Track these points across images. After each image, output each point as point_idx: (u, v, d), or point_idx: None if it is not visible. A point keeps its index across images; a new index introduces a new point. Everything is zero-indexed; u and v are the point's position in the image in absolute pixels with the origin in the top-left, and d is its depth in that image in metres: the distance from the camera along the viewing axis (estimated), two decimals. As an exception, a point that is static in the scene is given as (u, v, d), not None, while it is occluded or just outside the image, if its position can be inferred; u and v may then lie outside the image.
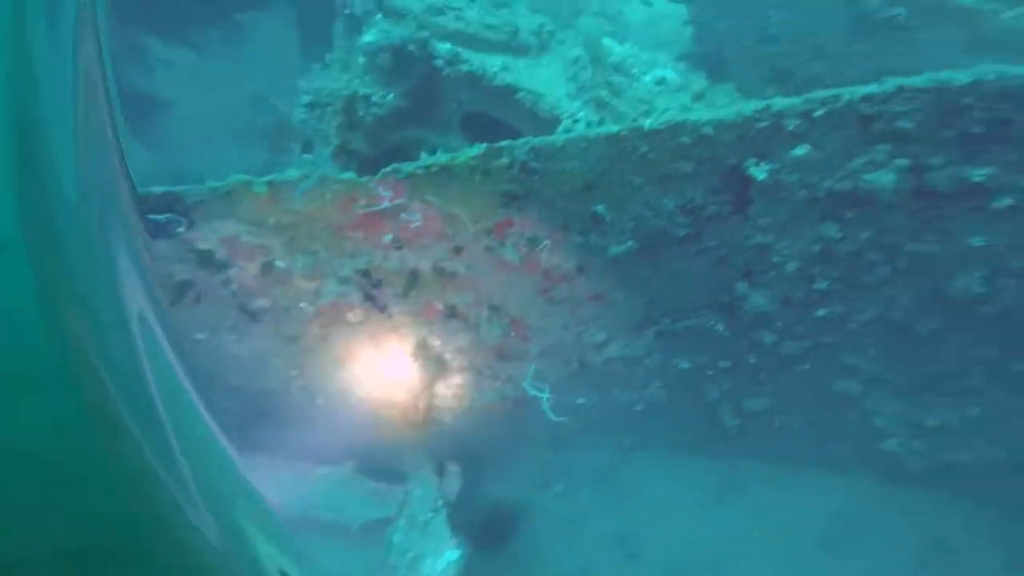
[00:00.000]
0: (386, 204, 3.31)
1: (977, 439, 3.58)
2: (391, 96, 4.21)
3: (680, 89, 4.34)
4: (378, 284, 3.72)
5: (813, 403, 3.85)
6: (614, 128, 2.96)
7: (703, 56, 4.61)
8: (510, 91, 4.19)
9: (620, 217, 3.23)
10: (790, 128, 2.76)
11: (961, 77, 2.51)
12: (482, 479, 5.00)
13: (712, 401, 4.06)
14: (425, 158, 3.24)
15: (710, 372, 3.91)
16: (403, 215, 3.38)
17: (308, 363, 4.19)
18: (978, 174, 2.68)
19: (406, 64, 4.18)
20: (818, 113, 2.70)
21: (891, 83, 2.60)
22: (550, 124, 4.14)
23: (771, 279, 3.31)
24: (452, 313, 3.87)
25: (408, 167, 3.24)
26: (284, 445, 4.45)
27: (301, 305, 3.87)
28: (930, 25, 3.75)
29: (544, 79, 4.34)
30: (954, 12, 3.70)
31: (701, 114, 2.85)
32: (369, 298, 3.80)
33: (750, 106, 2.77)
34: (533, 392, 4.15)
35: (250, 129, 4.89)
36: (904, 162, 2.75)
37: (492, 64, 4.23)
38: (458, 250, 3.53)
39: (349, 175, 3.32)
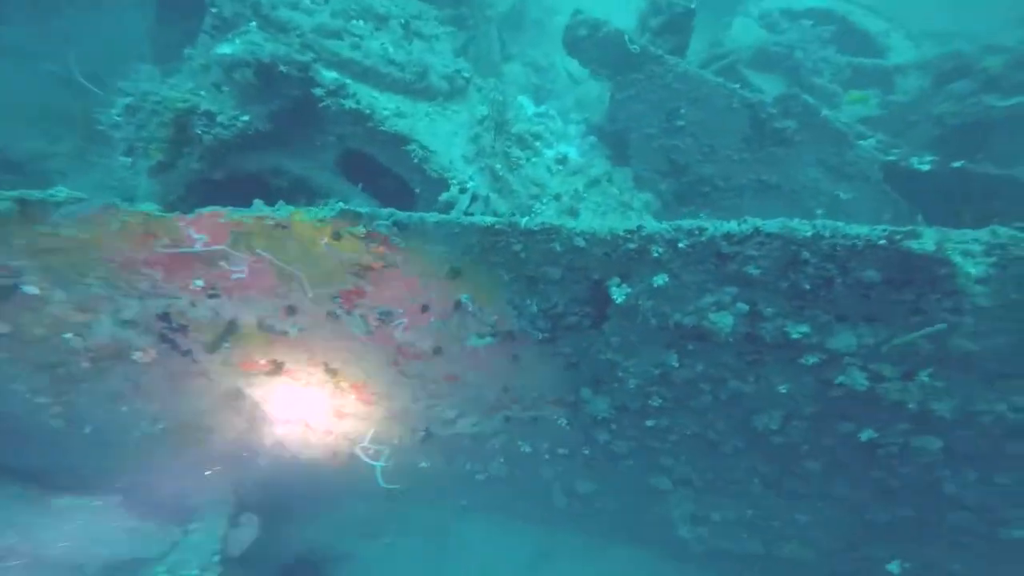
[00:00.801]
0: (199, 248, 2.21)
1: (744, 533, 3.56)
2: (246, 118, 2.96)
3: (577, 172, 3.72)
4: (181, 329, 2.55)
5: (630, 492, 3.56)
6: (489, 220, 2.27)
7: (612, 134, 4.15)
8: (400, 140, 3.18)
9: (483, 311, 2.56)
10: (655, 255, 2.34)
11: (805, 229, 2.27)
12: (296, 526, 4.04)
13: (547, 480, 3.58)
14: (259, 206, 2.22)
15: (548, 457, 3.41)
16: (222, 263, 2.30)
17: (73, 392, 2.82)
18: (796, 331, 2.51)
19: (274, 85, 2.99)
20: (682, 244, 2.31)
21: (749, 224, 2.30)
22: (438, 184, 3.28)
23: (613, 389, 2.91)
24: (277, 369, 2.83)
25: (236, 213, 2.20)
26: (23, 470, 3.20)
27: (66, 336, 2.53)
28: (811, 142, 3.67)
29: (443, 133, 3.36)
30: (832, 133, 3.64)
31: (577, 223, 2.31)
32: (167, 341, 2.60)
33: (623, 225, 2.29)
34: (365, 459, 3.27)
35: (60, 114, 3.27)
36: (744, 307, 2.49)
37: (384, 106, 3.16)
38: (291, 310, 2.54)
39: (149, 207, 2.15)
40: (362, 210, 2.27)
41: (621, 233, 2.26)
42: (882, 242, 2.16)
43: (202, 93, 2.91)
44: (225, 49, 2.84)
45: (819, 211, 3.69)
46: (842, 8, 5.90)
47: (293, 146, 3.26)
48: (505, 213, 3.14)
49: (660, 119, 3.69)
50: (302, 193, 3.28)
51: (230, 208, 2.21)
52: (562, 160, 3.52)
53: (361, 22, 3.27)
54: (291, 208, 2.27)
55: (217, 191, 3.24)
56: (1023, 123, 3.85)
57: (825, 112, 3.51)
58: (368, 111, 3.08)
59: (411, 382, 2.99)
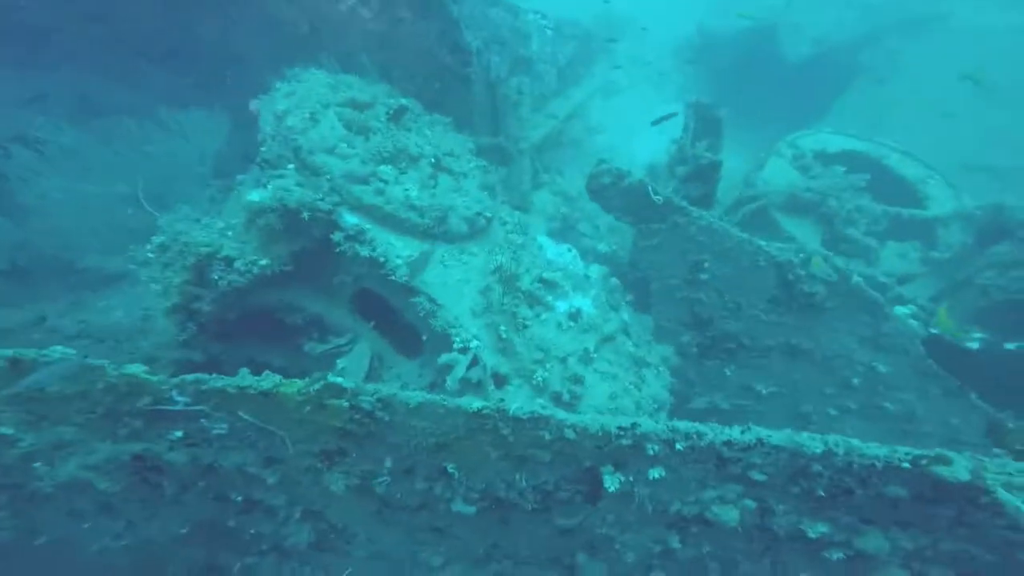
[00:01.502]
0: (180, 407, 2.17)
1: None
2: (264, 262, 2.94)
3: (589, 329, 3.38)
4: (155, 469, 2.47)
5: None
6: (477, 404, 2.14)
7: (635, 281, 3.94)
8: (409, 291, 3.10)
9: (470, 479, 2.38)
10: (650, 452, 2.12)
11: (815, 446, 2.06)
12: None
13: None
14: (244, 375, 2.17)
15: (543, 607, 3.08)
16: (203, 420, 2.24)
17: (33, 509, 2.75)
18: (814, 530, 2.21)
19: (299, 228, 3.00)
20: (680, 446, 2.10)
21: (752, 434, 2.09)
22: (443, 337, 3.13)
23: (611, 558, 2.61)
24: (252, 507, 2.70)
25: (218, 382, 2.15)
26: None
27: (35, 464, 2.47)
28: (842, 309, 3.39)
29: (453, 283, 3.22)
30: (864, 301, 3.38)
31: (567, 413, 2.14)
32: (138, 475, 2.52)
33: (615, 422, 2.10)
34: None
35: (122, 231, 3.44)
36: (751, 504, 2.21)
37: (398, 254, 3.08)
38: (270, 462, 2.43)
39: (135, 368, 2.14)
40: (346, 384, 2.17)
41: (613, 430, 2.07)
42: (905, 465, 1.88)
43: (229, 234, 2.94)
44: (254, 196, 2.88)
45: (855, 380, 3.38)
46: (877, 152, 5.52)
47: (311, 283, 3.26)
48: (509, 373, 2.98)
49: (683, 270, 3.48)
50: (315, 329, 3.25)
51: (215, 376, 2.17)
52: (575, 315, 3.23)
53: (388, 167, 3.26)
54: (276, 379, 2.21)
55: (230, 327, 3.24)
56: None
57: (857, 278, 3.24)
58: (382, 259, 3.04)
59: (393, 530, 2.80)
